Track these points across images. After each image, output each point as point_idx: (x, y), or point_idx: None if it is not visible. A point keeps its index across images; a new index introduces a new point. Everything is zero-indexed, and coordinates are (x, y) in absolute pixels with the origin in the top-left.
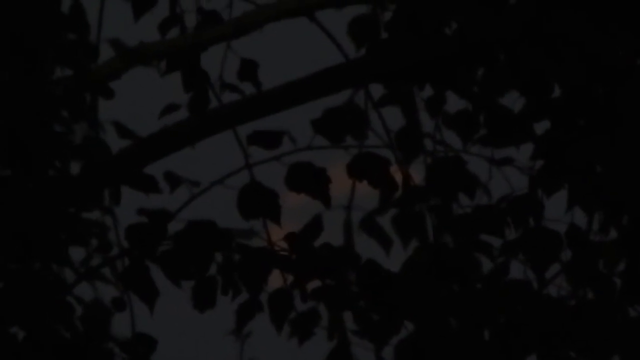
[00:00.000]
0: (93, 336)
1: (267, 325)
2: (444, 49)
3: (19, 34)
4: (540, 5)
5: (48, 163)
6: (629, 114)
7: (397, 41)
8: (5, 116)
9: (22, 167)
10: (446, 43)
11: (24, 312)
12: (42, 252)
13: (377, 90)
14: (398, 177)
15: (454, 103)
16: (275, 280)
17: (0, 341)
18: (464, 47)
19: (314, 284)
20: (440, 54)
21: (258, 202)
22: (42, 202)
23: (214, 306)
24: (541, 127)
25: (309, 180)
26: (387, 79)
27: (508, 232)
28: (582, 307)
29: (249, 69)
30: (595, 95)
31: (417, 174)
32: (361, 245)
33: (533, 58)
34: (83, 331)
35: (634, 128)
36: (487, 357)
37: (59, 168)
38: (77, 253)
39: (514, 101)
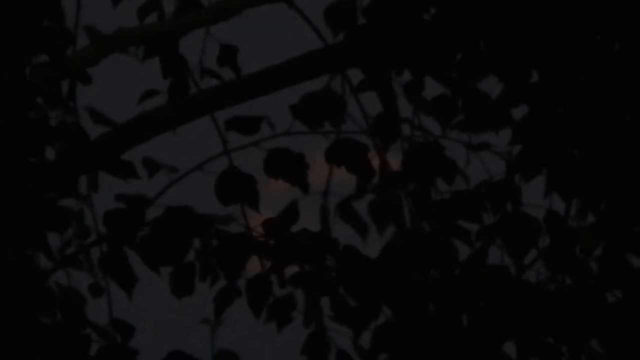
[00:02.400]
0: (71, 322)
1: (242, 313)
2: (423, 38)
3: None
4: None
5: (26, 150)
6: (607, 103)
7: (376, 28)
8: None
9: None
10: (425, 32)
11: (3, 300)
12: (20, 239)
13: (355, 75)
14: (376, 163)
15: (432, 89)
16: (253, 266)
17: None
18: (443, 37)
19: (292, 270)
20: (419, 42)
21: (236, 187)
22: (20, 188)
23: (193, 292)
24: (519, 112)
25: (287, 166)
26: (365, 64)
27: (486, 218)
28: (560, 292)
29: (228, 54)
30: (573, 83)
31: (395, 159)
32: (338, 232)
33: (508, 49)
34: (61, 317)
35: (612, 116)
36: (465, 343)
37: (37, 155)
38: (52, 240)
39: (492, 86)
